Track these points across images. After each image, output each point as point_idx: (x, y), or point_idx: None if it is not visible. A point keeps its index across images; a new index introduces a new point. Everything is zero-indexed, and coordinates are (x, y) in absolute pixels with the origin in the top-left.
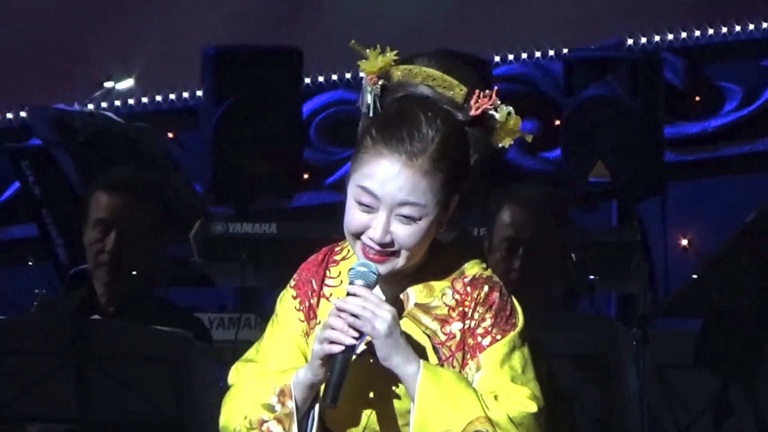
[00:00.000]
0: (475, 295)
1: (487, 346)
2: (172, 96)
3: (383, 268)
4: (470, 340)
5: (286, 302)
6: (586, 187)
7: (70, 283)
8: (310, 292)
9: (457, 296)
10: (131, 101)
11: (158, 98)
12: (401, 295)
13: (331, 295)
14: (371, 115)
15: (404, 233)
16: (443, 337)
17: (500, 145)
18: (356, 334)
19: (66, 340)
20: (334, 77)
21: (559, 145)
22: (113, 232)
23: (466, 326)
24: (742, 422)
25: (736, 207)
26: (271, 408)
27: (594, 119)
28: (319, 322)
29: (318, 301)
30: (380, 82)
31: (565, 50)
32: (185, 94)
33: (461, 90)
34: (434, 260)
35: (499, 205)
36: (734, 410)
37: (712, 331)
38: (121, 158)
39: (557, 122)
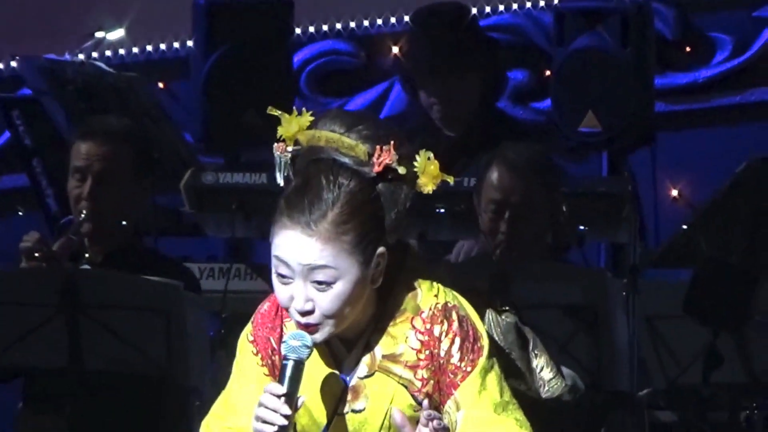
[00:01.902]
0: (436, 333)
1: (461, 382)
2: (162, 46)
3: (318, 336)
4: (443, 378)
5: (248, 357)
6: (577, 137)
7: (60, 234)
8: (270, 351)
9: (420, 336)
10: (122, 51)
11: (149, 48)
12: (366, 352)
13: None
14: (283, 184)
15: (324, 301)
16: (418, 384)
17: (425, 191)
18: (289, 413)
19: (56, 289)
20: (325, 27)
21: (549, 95)
22: (89, 179)
23: (435, 367)
24: (732, 372)
25: (727, 157)
26: None
27: (584, 70)
28: None
29: (280, 359)
30: (289, 149)
31: (556, 0)
32: (176, 44)
33: (361, 149)
34: (387, 304)
35: (487, 165)
36: (723, 360)
37: (702, 281)
38: (111, 108)
39: (548, 73)
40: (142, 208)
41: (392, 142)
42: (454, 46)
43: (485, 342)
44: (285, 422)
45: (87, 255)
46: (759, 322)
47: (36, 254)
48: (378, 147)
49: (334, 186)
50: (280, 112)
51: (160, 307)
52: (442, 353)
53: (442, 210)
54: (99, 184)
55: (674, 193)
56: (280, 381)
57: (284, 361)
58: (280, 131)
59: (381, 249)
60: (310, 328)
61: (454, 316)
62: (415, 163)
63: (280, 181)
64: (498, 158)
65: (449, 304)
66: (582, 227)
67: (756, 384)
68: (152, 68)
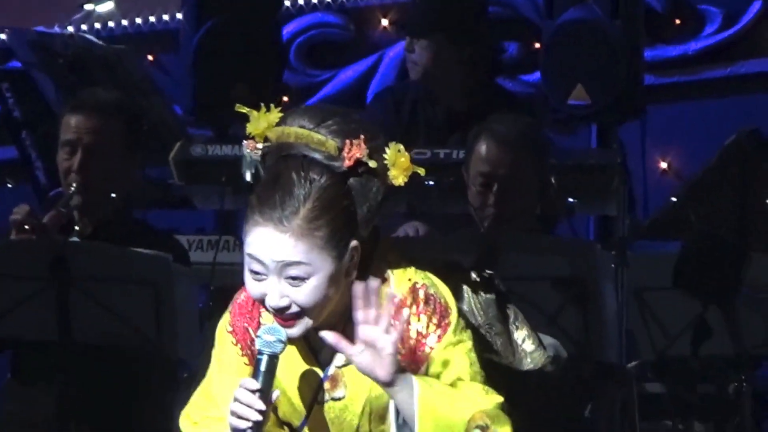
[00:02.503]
0: (405, 315)
1: (428, 356)
2: (152, 18)
3: (295, 331)
4: (415, 357)
5: (228, 347)
6: (566, 110)
7: (49, 206)
8: (249, 341)
9: (392, 321)
10: (111, 24)
11: (138, 21)
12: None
13: None
14: (253, 182)
15: (299, 296)
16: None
17: (396, 184)
18: (263, 408)
19: (46, 262)
20: (314, 0)
21: (538, 68)
22: (79, 152)
23: (407, 350)
24: (720, 345)
25: (716, 130)
26: None
27: (574, 42)
28: None
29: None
30: (259, 146)
31: None
32: (165, 17)
33: (331, 144)
34: None
35: (476, 137)
36: (712, 333)
37: (691, 253)
38: (101, 81)
39: (537, 45)
40: (131, 181)
41: (362, 136)
42: (449, 14)
43: (453, 318)
44: (260, 417)
45: (77, 227)
46: (748, 294)
47: (26, 226)
48: (348, 141)
49: (305, 182)
50: (247, 109)
51: (148, 280)
52: (413, 334)
53: (431, 182)
54: (89, 157)
55: (663, 165)
56: (254, 376)
57: (258, 356)
58: (249, 128)
59: (354, 243)
60: (288, 322)
61: (422, 296)
62: (385, 156)
63: (249, 178)
64: (486, 131)
65: (417, 285)
66: (571, 200)
67: (745, 356)
68: (142, 41)
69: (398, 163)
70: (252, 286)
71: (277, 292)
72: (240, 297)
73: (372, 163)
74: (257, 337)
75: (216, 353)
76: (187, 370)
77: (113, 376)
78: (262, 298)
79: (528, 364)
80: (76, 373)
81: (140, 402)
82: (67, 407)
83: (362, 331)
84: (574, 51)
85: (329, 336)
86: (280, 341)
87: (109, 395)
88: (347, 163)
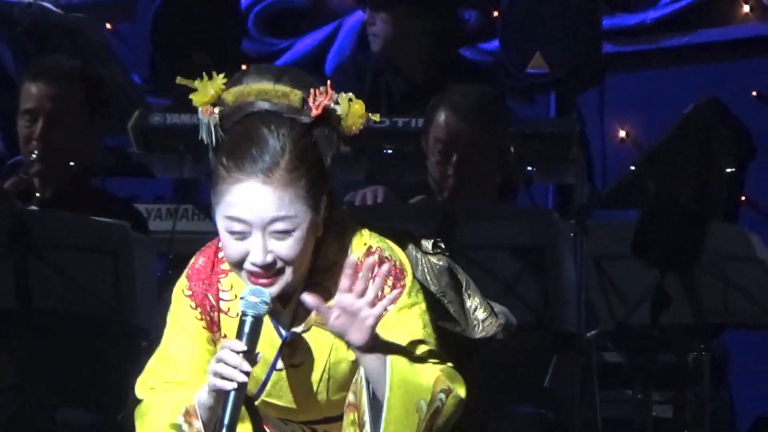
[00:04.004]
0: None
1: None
2: None
3: (275, 289)
4: None
5: (186, 311)
6: (524, 78)
7: (8, 174)
8: (209, 307)
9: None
10: None
11: None
12: (300, 308)
13: (228, 310)
14: (214, 145)
15: (284, 249)
16: None
17: (351, 132)
18: (249, 369)
19: (5, 230)
20: None
21: (497, 36)
22: (40, 120)
23: None
24: (680, 313)
25: (675, 99)
26: (179, 428)
27: (532, 10)
28: (225, 336)
29: (218, 316)
30: (216, 110)
31: None
32: None
33: (296, 95)
34: (319, 258)
35: (434, 107)
36: (671, 301)
37: (650, 222)
38: (59, 49)
39: (495, 13)
40: (91, 149)
41: (326, 85)
42: None
43: (408, 281)
44: (245, 379)
45: (37, 194)
46: (707, 263)
47: None
48: (312, 91)
49: (278, 135)
50: (187, 81)
51: (107, 248)
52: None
53: (390, 150)
54: (50, 124)
55: (622, 134)
56: (239, 337)
57: (243, 317)
58: (196, 100)
59: (324, 195)
60: (269, 281)
61: (374, 262)
62: (338, 106)
63: (209, 142)
64: (445, 101)
65: (372, 248)
66: (530, 168)
67: (704, 325)
68: (100, 9)
69: (353, 111)
70: (232, 247)
71: (262, 248)
72: (198, 262)
73: (340, 109)
74: (240, 298)
75: (172, 316)
76: (146, 338)
77: (72, 344)
78: (242, 259)
79: (480, 332)
80: (35, 341)
81: (99, 370)
82: (27, 375)
83: (345, 299)
84: (532, 19)
85: (310, 299)
86: (265, 302)
87: (68, 363)
88: (315, 112)
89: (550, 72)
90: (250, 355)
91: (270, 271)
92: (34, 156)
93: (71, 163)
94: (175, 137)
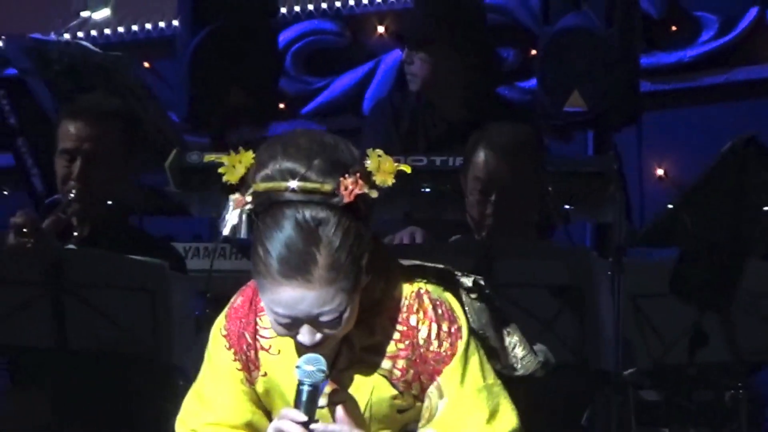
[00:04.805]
0: (413, 322)
1: (443, 368)
2: (148, 25)
3: (326, 350)
4: (425, 367)
5: (221, 351)
6: (562, 117)
7: (46, 213)
8: (245, 346)
9: (398, 326)
10: (107, 31)
11: (134, 28)
12: (344, 345)
13: (270, 347)
14: (246, 236)
15: (332, 330)
16: (398, 374)
17: (385, 185)
18: None
19: (42, 269)
20: (310, 7)
21: (535, 74)
22: (79, 160)
23: (416, 356)
24: (717, 352)
25: (712, 137)
26: None
27: (570, 49)
28: (265, 374)
29: (256, 353)
30: (248, 198)
31: None
32: (161, 24)
33: (327, 187)
34: (364, 297)
35: (473, 146)
36: (709, 340)
37: (688, 260)
38: (96, 88)
39: (533, 52)
40: (128, 188)
41: (357, 173)
42: (448, 25)
43: (463, 322)
44: None
45: (76, 233)
46: (744, 301)
47: (24, 230)
48: (342, 179)
49: (314, 233)
50: (215, 156)
51: (145, 287)
52: (421, 341)
53: (428, 189)
54: (88, 164)
55: (660, 172)
56: (296, 406)
57: (300, 386)
58: (226, 177)
59: (366, 257)
60: (318, 348)
61: (427, 302)
62: (368, 164)
63: (237, 233)
64: (484, 140)
65: (422, 291)
66: (567, 206)
67: (741, 363)
68: (138, 48)
69: (383, 168)
70: (280, 330)
71: (310, 335)
72: (237, 301)
73: (374, 193)
74: (297, 367)
75: (209, 354)
76: (183, 377)
77: (109, 384)
78: (291, 336)
79: (519, 369)
80: (71, 380)
81: (136, 409)
82: (64, 414)
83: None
84: (570, 58)
85: (338, 411)
86: (321, 371)
87: (105, 402)
88: (347, 199)
89: (587, 110)
90: (309, 423)
91: (320, 345)
92: (72, 195)
93: (109, 202)
94: (213, 176)
